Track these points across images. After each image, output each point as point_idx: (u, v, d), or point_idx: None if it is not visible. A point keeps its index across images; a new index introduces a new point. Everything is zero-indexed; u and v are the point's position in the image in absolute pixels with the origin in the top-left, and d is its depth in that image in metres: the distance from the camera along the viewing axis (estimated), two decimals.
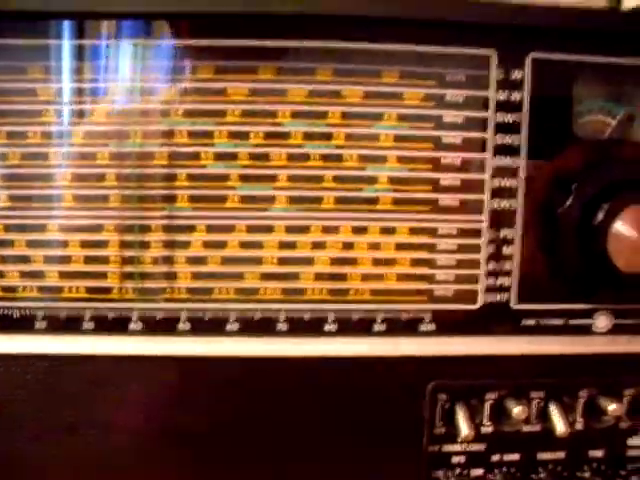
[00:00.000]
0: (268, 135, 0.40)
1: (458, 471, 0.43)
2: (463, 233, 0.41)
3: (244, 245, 0.41)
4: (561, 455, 0.43)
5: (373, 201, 0.41)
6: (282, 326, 0.41)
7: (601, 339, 0.43)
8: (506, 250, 0.41)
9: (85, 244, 0.41)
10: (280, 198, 0.41)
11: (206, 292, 0.41)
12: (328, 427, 0.42)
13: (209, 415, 0.41)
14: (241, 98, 0.40)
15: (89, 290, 0.41)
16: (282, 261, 0.41)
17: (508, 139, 0.41)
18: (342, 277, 0.41)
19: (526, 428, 0.43)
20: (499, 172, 0.41)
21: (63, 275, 0.41)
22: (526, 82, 0.40)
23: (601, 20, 0.39)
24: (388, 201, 0.41)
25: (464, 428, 0.41)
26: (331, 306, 0.41)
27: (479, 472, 0.43)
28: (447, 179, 0.41)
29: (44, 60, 0.39)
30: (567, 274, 0.41)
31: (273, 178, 0.41)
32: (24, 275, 0.41)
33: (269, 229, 0.41)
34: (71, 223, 0.41)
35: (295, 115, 0.40)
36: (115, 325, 0.41)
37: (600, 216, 0.39)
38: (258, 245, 0.41)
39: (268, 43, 0.39)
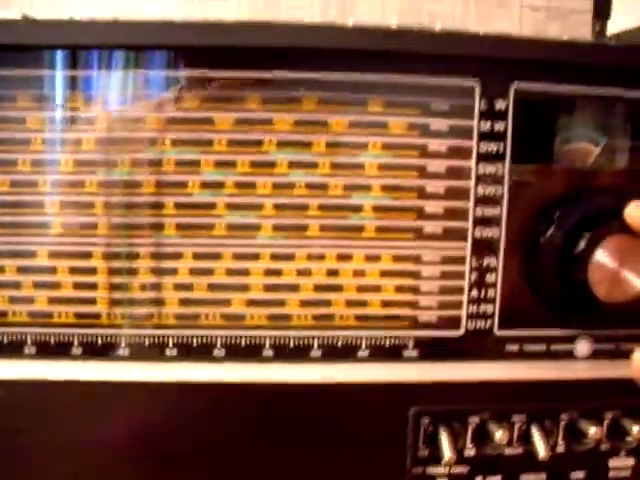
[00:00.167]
0: (254, 164, 0.41)
1: None
2: (447, 260, 0.42)
3: (230, 272, 0.41)
4: (543, 477, 0.44)
5: (358, 229, 0.42)
6: (268, 352, 0.42)
7: (582, 364, 0.43)
8: (489, 277, 0.42)
9: (74, 270, 0.41)
10: (266, 226, 0.41)
11: (193, 318, 0.42)
12: (313, 451, 0.42)
13: (196, 440, 0.41)
14: (227, 127, 0.41)
15: (78, 315, 0.41)
16: (268, 288, 0.42)
17: (492, 168, 0.41)
18: (327, 303, 0.42)
19: (508, 451, 0.43)
20: (482, 200, 0.41)
21: (52, 300, 0.41)
22: (509, 112, 0.41)
23: (583, 52, 0.40)
24: (373, 229, 0.42)
25: (447, 451, 0.42)
26: (316, 332, 0.42)
27: None
28: (431, 207, 0.42)
29: (34, 89, 0.40)
30: (549, 301, 0.41)
31: (259, 206, 0.41)
32: (14, 300, 0.41)
33: (255, 256, 0.41)
34: (60, 249, 0.41)
35: (281, 144, 0.41)
36: (103, 351, 0.41)
37: (581, 245, 0.40)
38: (244, 272, 0.42)
39: (254, 74, 0.40)
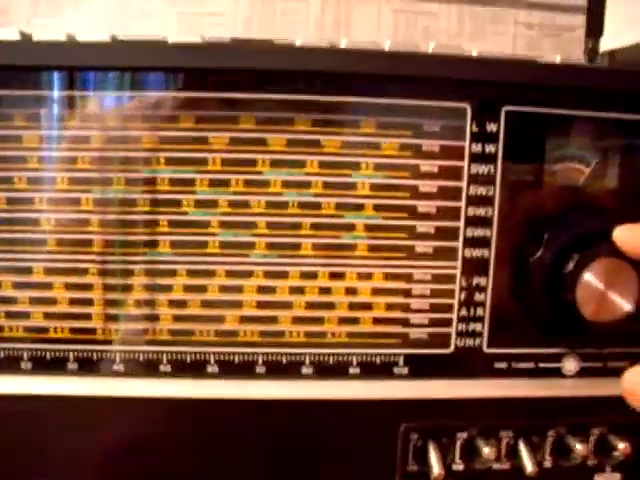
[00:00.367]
0: (248, 183, 0.41)
1: None
2: (437, 279, 0.43)
3: (224, 289, 0.42)
4: None
5: (350, 248, 0.42)
6: (261, 369, 0.42)
7: (569, 382, 0.44)
8: (479, 296, 0.43)
9: (69, 286, 0.42)
10: (259, 244, 0.42)
11: (187, 334, 0.42)
12: (305, 467, 0.43)
13: (191, 455, 0.42)
14: (222, 147, 0.41)
15: (73, 331, 0.42)
16: (261, 305, 0.42)
17: (482, 189, 0.42)
18: (319, 320, 0.43)
19: (496, 466, 0.44)
20: (473, 221, 0.42)
21: (48, 316, 0.42)
22: (500, 134, 0.41)
23: (573, 75, 0.40)
24: (365, 248, 0.42)
25: (436, 467, 0.43)
26: (308, 350, 0.42)
27: None
28: (422, 227, 0.42)
29: (30, 108, 0.40)
30: (537, 321, 0.42)
31: (253, 225, 0.42)
32: (10, 315, 0.42)
33: (248, 274, 0.42)
34: (56, 266, 0.42)
35: (274, 164, 0.41)
36: (99, 366, 0.42)
37: (570, 266, 0.40)
38: (238, 289, 0.42)
39: (248, 96, 0.40)
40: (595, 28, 0.50)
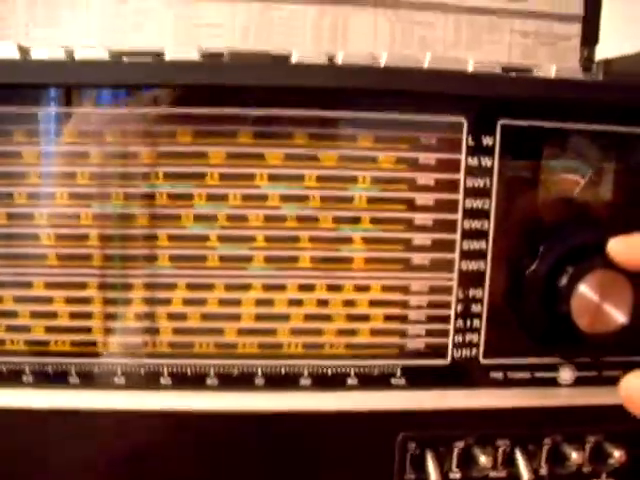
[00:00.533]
0: (246, 197, 0.42)
1: None
2: (434, 290, 0.43)
3: (223, 302, 0.43)
4: None
5: (348, 260, 0.43)
6: (260, 380, 0.43)
7: (565, 391, 0.45)
8: (475, 308, 0.43)
9: (70, 300, 0.42)
10: (258, 258, 0.42)
11: (187, 347, 0.43)
12: (304, 477, 0.44)
13: (191, 467, 0.43)
14: (220, 162, 0.41)
15: (74, 344, 0.42)
16: (259, 317, 0.43)
17: (478, 202, 0.42)
18: (317, 332, 0.43)
19: (493, 474, 0.45)
20: (469, 233, 0.42)
21: (49, 329, 0.42)
22: (496, 148, 0.42)
23: (568, 90, 0.41)
24: (362, 260, 0.43)
25: (433, 475, 0.43)
26: (306, 361, 0.43)
27: None
28: (419, 239, 0.43)
29: (29, 124, 0.41)
30: (533, 332, 0.43)
31: (251, 239, 0.42)
32: (11, 329, 0.42)
33: (247, 287, 0.42)
34: (56, 280, 0.42)
35: (272, 178, 0.42)
36: (100, 379, 0.42)
37: (565, 279, 0.41)
38: (236, 302, 0.43)
39: (245, 112, 0.41)
40: (590, 37, 0.51)
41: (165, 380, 0.43)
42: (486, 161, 0.42)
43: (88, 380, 0.43)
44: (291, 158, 0.41)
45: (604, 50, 0.50)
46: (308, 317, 0.43)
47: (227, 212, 0.42)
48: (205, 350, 0.43)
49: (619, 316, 0.40)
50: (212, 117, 0.41)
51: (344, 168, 0.42)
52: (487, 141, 0.42)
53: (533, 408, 0.44)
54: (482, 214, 0.42)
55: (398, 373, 0.44)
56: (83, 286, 0.42)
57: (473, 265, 0.43)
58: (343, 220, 0.42)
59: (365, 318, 0.43)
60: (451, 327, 0.43)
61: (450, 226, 0.43)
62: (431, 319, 0.43)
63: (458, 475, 0.44)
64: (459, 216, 0.42)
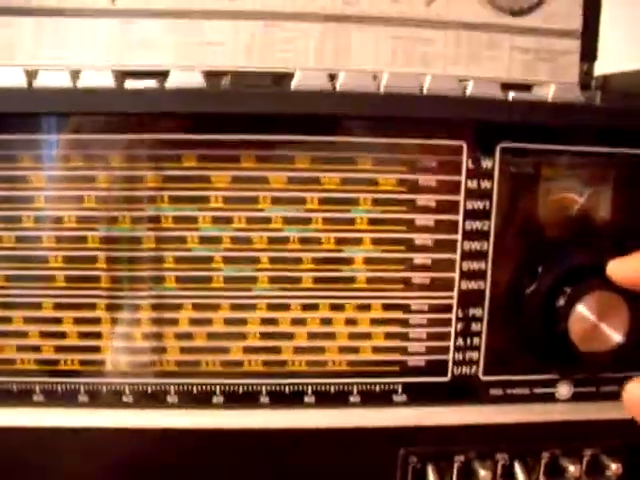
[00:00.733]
0: (250, 220, 0.43)
1: None
2: (434, 309, 0.44)
3: (228, 322, 0.43)
4: None
5: (349, 280, 0.43)
6: (264, 399, 0.44)
7: (563, 406, 0.46)
8: (475, 327, 0.44)
9: (78, 320, 0.43)
10: (262, 278, 0.43)
11: (193, 365, 0.44)
12: None
13: None
14: (224, 185, 0.42)
15: (83, 363, 0.43)
16: (264, 336, 0.44)
17: (478, 224, 0.43)
18: (320, 350, 0.44)
19: None
20: (469, 254, 0.43)
21: (58, 349, 0.43)
22: (496, 170, 0.42)
23: (565, 114, 0.41)
24: (363, 280, 0.44)
25: None
26: (310, 380, 0.44)
27: None
28: (419, 259, 0.43)
29: (35, 150, 0.42)
30: (532, 350, 0.44)
31: (255, 260, 0.43)
32: (21, 349, 0.43)
33: (252, 307, 0.43)
34: (65, 301, 0.43)
35: (275, 201, 0.42)
36: (108, 398, 0.44)
37: (563, 299, 0.42)
38: (242, 322, 0.44)
39: (249, 137, 0.41)
40: (589, 53, 0.51)
41: (172, 398, 0.44)
42: (485, 183, 0.43)
43: (97, 399, 0.44)
44: (293, 181, 0.42)
45: (603, 66, 0.51)
46: (311, 336, 0.44)
47: (231, 234, 0.43)
48: (211, 369, 0.44)
49: (616, 336, 0.41)
50: (216, 142, 0.42)
51: (345, 191, 0.42)
52: (486, 164, 0.42)
53: (532, 423, 0.45)
54: (482, 235, 0.43)
55: (399, 390, 0.45)
56: (91, 307, 0.43)
57: (473, 284, 0.44)
58: (345, 241, 0.43)
59: (367, 336, 0.44)
60: (451, 345, 0.44)
61: (450, 246, 0.43)
62: (431, 337, 0.44)
63: None
64: (459, 237, 0.43)
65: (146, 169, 0.42)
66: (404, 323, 0.44)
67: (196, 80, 0.42)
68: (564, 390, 0.46)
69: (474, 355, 0.44)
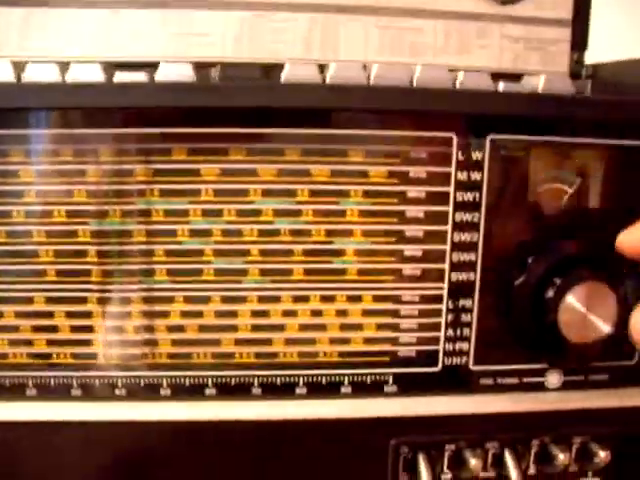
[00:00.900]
0: (240, 212, 0.43)
1: None
2: (425, 300, 0.44)
3: (219, 314, 0.44)
4: None
5: (340, 272, 0.44)
6: (257, 390, 0.44)
7: (553, 395, 0.46)
8: (465, 318, 0.44)
9: (70, 314, 0.43)
10: (253, 271, 0.43)
11: (185, 357, 0.44)
12: None
13: (191, 476, 0.44)
14: (214, 178, 0.42)
15: (75, 357, 0.44)
16: (255, 328, 0.44)
17: (468, 215, 0.43)
18: (312, 341, 0.44)
19: (483, 474, 0.46)
20: (459, 245, 0.43)
21: (50, 343, 0.43)
22: (485, 162, 0.42)
23: (556, 106, 0.41)
24: (354, 272, 0.44)
25: (425, 477, 0.45)
26: (301, 371, 0.44)
27: None
28: (410, 250, 0.44)
29: (25, 144, 0.41)
30: (522, 340, 0.44)
31: (245, 252, 0.43)
32: (13, 343, 0.43)
33: (243, 299, 0.44)
34: (56, 295, 0.43)
35: (265, 193, 0.42)
36: (101, 392, 0.44)
37: (552, 290, 0.42)
38: (233, 314, 0.44)
39: (239, 130, 0.41)
40: (580, 42, 0.51)
41: (165, 391, 0.44)
42: (475, 175, 0.43)
43: (89, 392, 0.44)
44: (284, 173, 0.42)
45: (593, 55, 0.51)
46: (302, 327, 0.44)
47: (222, 227, 0.43)
48: (203, 361, 0.44)
49: (604, 326, 0.42)
50: (206, 135, 0.41)
51: (336, 183, 0.43)
52: (476, 155, 0.42)
53: (522, 413, 0.45)
54: (472, 226, 0.43)
55: (390, 380, 0.45)
56: (83, 300, 0.43)
57: (463, 276, 0.44)
58: (335, 233, 0.43)
59: (358, 327, 0.44)
60: (442, 335, 0.45)
61: (440, 238, 0.43)
62: (422, 328, 0.45)
63: (449, 476, 0.46)
64: (449, 228, 0.43)
65: (136, 162, 0.42)
66: (395, 314, 0.44)
67: (186, 72, 0.42)
68: (554, 379, 0.46)
69: (464, 345, 0.45)
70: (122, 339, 0.44)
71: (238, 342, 0.44)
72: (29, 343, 0.44)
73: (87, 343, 0.44)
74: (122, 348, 0.44)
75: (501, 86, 0.43)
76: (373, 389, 0.45)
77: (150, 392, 0.44)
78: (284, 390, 0.44)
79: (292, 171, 0.42)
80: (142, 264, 0.43)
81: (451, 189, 0.43)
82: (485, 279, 0.44)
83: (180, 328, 0.44)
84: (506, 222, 0.43)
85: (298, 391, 0.45)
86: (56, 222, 0.42)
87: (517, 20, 0.51)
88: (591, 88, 0.48)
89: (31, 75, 0.41)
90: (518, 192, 0.43)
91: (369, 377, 0.45)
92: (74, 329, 0.43)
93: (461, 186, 0.43)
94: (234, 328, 0.44)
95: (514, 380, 0.46)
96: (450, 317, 0.44)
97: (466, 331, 0.44)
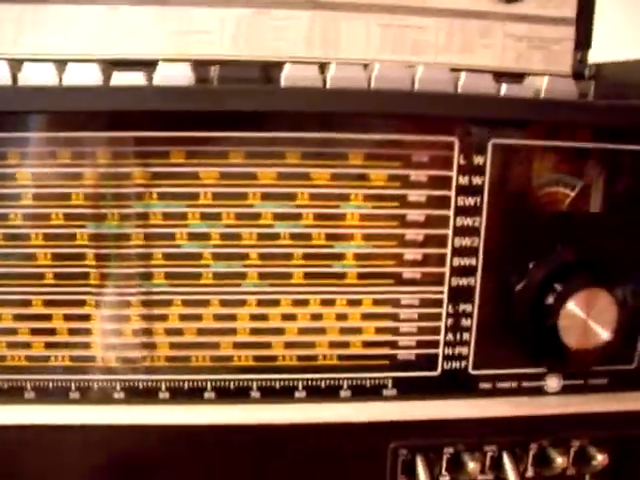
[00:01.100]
0: (239, 216, 0.42)
1: None
2: (424, 304, 0.44)
3: (218, 318, 0.43)
4: None
5: (340, 276, 0.43)
6: (255, 394, 0.44)
7: (552, 399, 0.46)
8: (464, 322, 0.44)
9: (68, 317, 0.43)
10: (252, 274, 0.43)
11: (184, 360, 0.44)
12: None
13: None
14: (213, 181, 0.42)
15: (73, 360, 0.43)
16: (254, 331, 0.44)
17: (469, 220, 0.43)
18: (311, 345, 0.44)
19: (481, 477, 0.46)
20: (459, 250, 0.43)
21: (48, 346, 0.43)
22: (487, 167, 0.42)
23: (558, 111, 0.41)
24: (354, 275, 0.43)
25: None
26: (301, 375, 0.44)
27: None
28: (410, 254, 0.43)
29: (22, 147, 0.41)
30: (521, 345, 0.44)
31: (244, 256, 0.43)
32: (11, 346, 0.43)
33: (242, 303, 0.43)
34: (54, 298, 0.43)
35: (265, 197, 0.42)
36: (99, 395, 0.44)
37: (553, 296, 0.42)
38: (231, 317, 0.43)
39: (238, 134, 0.41)
40: (583, 41, 0.50)
41: (163, 394, 0.44)
42: (477, 179, 0.42)
43: (88, 395, 0.44)
44: (283, 177, 0.42)
45: (597, 55, 0.50)
46: (302, 331, 0.44)
47: (221, 230, 0.42)
48: (202, 364, 0.44)
49: (604, 333, 0.41)
50: (204, 138, 0.41)
51: (336, 186, 0.42)
52: (478, 160, 0.42)
53: (521, 417, 0.45)
54: (472, 231, 0.43)
55: (390, 384, 0.45)
56: (81, 304, 0.43)
57: (463, 280, 0.44)
58: (336, 237, 0.43)
59: (357, 331, 0.44)
60: (441, 340, 0.44)
61: (441, 242, 0.43)
62: (422, 332, 0.44)
63: (447, 479, 0.46)
64: (450, 232, 0.43)
65: (134, 166, 0.41)
66: (394, 318, 0.44)
67: (184, 73, 0.41)
68: (553, 383, 0.46)
69: (464, 350, 0.45)
70: (120, 342, 0.44)
71: (237, 345, 0.44)
72: (27, 346, 0.43)
73: (85, 346, 0.43)
74: (120, 351, 0.44)
75: (504, 88, 0.43)
76: (372, 393, 0.45)
77: (148, 395, 0.44)
78: (283, 394, 0.44)
79: (292, 174, 0.42)
80: (140, 267, 0.43)
81: (452, 193, 0.42)
82: (485, 284, 0.44)
83: (179, 331, 0.44)
84: (507, 227, 0.43)
85: (297, 395, 0.44)
86: (54, 225, 0.42)
87: (520, 19, 0.50)
88: (594, 90, 0.48)
89: (27, 75, 0.41)
90: (519, 197, 0.43)
91: (368, 381, 0.45)
92: (72, 332, 0.43)
93: (462, 190, 0.42)
94: (233, 331, 0.44)
95: (513, 384, 0.46)
96: (450, 321, 0.44)
97: (466, 335, 0.44)
